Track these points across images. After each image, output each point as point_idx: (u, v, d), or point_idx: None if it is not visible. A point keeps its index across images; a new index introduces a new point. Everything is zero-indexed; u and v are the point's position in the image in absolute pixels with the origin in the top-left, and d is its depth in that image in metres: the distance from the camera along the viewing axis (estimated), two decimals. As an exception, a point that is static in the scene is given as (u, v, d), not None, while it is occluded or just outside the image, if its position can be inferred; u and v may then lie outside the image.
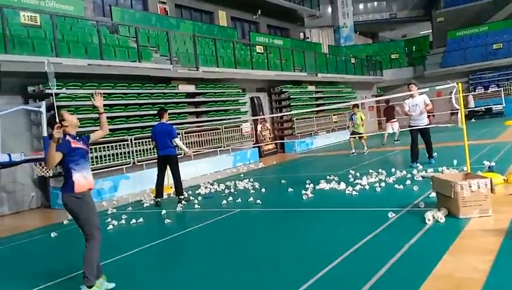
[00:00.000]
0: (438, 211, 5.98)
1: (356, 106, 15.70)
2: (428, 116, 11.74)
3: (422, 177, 9.05)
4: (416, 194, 7.61)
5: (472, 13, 33.32)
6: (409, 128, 10.95)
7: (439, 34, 34.71)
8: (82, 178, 4.55)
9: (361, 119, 15.33)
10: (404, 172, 9.75)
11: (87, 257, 4.42)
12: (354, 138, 15.35)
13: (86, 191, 4.63)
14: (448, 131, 13.55)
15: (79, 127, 11.45)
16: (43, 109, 9.22)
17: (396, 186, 8.47)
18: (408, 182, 8.69)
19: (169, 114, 10.33)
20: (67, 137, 4.56)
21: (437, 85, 10.45)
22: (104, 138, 12.11)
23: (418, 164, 10.69)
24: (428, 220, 5.75)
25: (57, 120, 4.41)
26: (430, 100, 10.83)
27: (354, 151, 15.19)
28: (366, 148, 15.24)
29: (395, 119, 17.74)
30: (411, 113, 10.78)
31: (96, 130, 5.16)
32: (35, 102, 10.95)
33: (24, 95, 11.38)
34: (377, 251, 4.92)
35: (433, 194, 6.78)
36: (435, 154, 11.18)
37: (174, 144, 9.71)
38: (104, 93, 12.49)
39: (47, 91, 11.22)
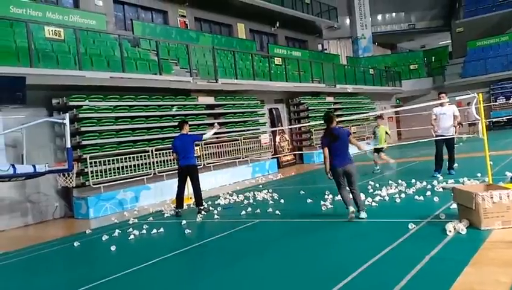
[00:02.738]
0: (459, 222, 5.93)
1: (380, 117, 14.16)
2: (459, 125, 11.53)
3: (443, 188, 8.97)
4: (436, 205, 7.56)
5: (492, 23, 32.96)
6: (434, 138, 10.88)
7: (458, 44, 34.41)
8: None
9: (386, 132, 13.57)
10: (425, 183, 9.68)
11: (359, 198, 7.39)
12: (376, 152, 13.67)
13: None
14: (470, 141, 13.39)
15: (104, 137, 11.71)
16: (66, 121, 9.42)
17: (416, 197, 8.42)
18: (428, 193, 8.62)
19: (189, 126, 10.47)
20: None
21: (457, 96, 10.41)
22: (125, 149, 12.34)
23: (439, 175, 10.61)
24: (450, 231, 5.71)
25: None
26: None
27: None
28: (391, 160, 13.62)
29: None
30: (437, 122, 10.73)
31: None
32: (59, 114, 11.19)
33: (48, 107, 11.63)
34: (397, 263, 4.91)
35: (454, 206, 6.73)
36: (455, 165, 11.08)
37: (205, 137, 10.09)
38: (125, 105, 12.79)
39: (70, 103, 11.50)
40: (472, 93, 8.20)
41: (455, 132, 10.89)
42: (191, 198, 10.78)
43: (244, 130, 16.77)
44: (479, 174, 9.77)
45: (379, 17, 41.04)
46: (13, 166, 8.86)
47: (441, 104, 10.74)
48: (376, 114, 14.33)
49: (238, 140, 16.14)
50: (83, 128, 11.57)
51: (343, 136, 7.30)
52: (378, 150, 13.61)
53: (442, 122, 10.71)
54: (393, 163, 13.68)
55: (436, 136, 10.84)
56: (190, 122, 13.35)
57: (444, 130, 10.72)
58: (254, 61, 19.29)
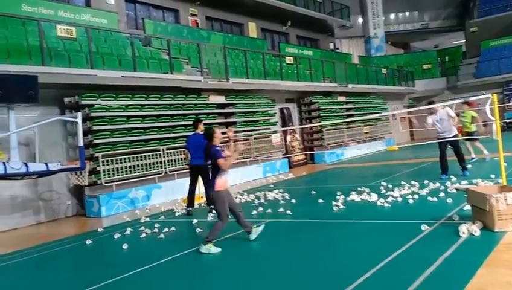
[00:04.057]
0: (473, 224, 5.87)
1: (467, 103, 13.29)
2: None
3: (456, 189, 8.89)
4: (450, 206, 7.48)
5: (506, 23, 32.55)
6: (437, 141, 10.80)
7: (472, 44, 34.05)
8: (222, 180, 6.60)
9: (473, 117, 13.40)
10: (438, 184, 9.59)
11: (215, 228, 6.46)
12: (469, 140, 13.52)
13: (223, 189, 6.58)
14: (483, 142, 13.24)
15: (116, 136, 11.75)
16: (79, 120, 9.46)
17: (429, 198, 8.34)
18: (441, 194, 8.55)
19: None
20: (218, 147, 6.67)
21: (471, 96, 10.29)
22: (137, 147, 12.38)
23: (451, 176, 10.50)
24: (463, 233, 5.65)
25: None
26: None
27: (474, 156, 13.46)
28: (485, 151, 13.27)
29: None
30: (436, 127, 10.67)
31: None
32: (71, 113, 11.26)
33: (60, 106, 11.70)
34: (409, 264, 4.86)
35: (468, 207, 6.65)
36: (469, 166, 10.96)
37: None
38: (136, 104, 12.83)
39: (82, 102, 11.56)
40: (486, 93, 8.10)
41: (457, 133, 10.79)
42: (202, 197, 10.78)
43: (255, 130, 16.75)
44: (492, 176, 9.67)
45: (392, 16, 40.80)
46: (26, 164, 8.93)
47: (434, 112, 10.67)
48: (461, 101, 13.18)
49: (249, 139, 16.12)
50: (95, 127, 11.62)
51: (212, 157, 6.74)
52: (469, 139, 13.37)
53: (442, 127, 10.62)
54: (488, 156, 13.16)
55: (439, 138, 10.75)
56: (201, 122, 13.37)
57: (446, 133, 10.62)
58: (265, 60, 19.24)
